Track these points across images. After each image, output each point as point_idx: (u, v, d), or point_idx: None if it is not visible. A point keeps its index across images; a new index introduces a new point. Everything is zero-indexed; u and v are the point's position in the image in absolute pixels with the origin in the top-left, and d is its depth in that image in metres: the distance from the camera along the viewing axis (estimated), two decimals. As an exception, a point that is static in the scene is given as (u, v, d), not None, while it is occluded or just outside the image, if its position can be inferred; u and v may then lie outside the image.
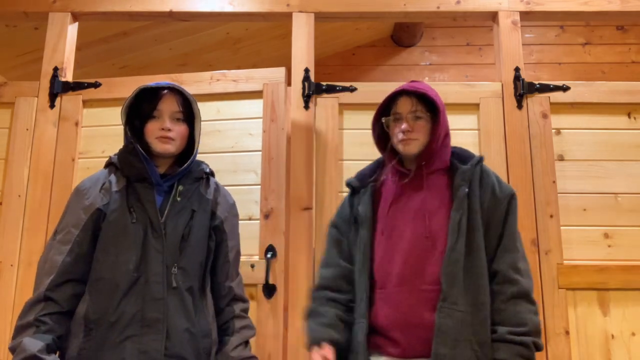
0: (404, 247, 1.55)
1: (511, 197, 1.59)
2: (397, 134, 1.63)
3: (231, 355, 1.58)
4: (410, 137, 1.60)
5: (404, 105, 1.63)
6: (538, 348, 1.45)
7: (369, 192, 1.68)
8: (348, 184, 1.76)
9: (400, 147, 1.64)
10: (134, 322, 1.43)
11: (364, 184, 1.72)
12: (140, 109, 1.61)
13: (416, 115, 1.61)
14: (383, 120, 1.68)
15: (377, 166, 1.77)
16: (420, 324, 1.49)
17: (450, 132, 1.68)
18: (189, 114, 1.64)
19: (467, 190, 1.56)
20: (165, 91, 1.61)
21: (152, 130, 1.59)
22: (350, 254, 1.67)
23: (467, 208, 1.54)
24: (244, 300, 1.69)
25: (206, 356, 1.50)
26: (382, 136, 1.71)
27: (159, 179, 1.58)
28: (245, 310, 1.68)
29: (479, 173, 1.60)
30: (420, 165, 1.62)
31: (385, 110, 1.68)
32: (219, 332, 1.61)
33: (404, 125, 1.61)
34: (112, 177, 1.59)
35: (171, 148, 1.60)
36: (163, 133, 1.58)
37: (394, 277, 1.54)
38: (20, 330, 1.44)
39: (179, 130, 1.61)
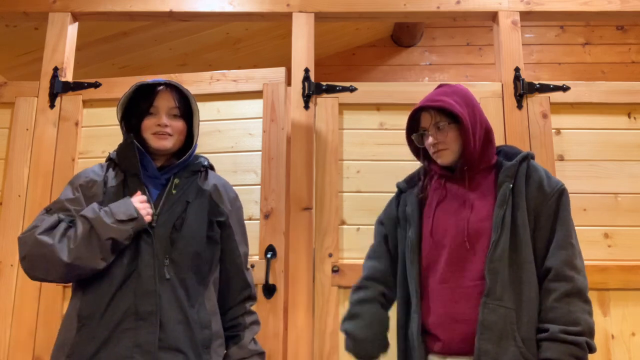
0: (447, 244, 1.57)
1: (561, 192, 1.56)
2: (428, 148, 1.67)
3: (249, 349, 1.61)
4: (439, 149, 1.63)
5: (425, 120, 1.66)
6: (591, 350, 1.41)
7: (415, 195, 1.73)
8: (397, 186, 1.81)
9: (436, 158, 1.67)
10: (128, 316, 1.42)
11: (411, 185, 1.77)
12: (137, 106, 1.61)
13: (438, 127, 1.63)
14: (413, 138, 1.71)
15: (425, 170, 1.81)
16: (462, 320, 1.50)
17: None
18: (186, 110, 1.64)
19: (511, 186, 1.56)
20: (162, 87, 1.61)
21: (149, 126, 1.59)
22: (395, 251, 1.73)
23: (511, 204, 1.54)
24: (255, 298, 1.71)
25: (204, 348, 1.49)
26: (417, 147, 1.74)
27: (155, 171, 1.59)
28: (253, 305, 1.70)
29: (525, 169, 1.60)
30: (462, 168, 1.64)
31: (413, 125, 1.71)
32: (230, 326, 1.62)
33: (429, 140, 1.64)
34: (110, 172, 1.61)
35: (167, 144, 1.60)
36: (159, 129, 1.58)
37: (438, 274, 1.57)
38: (50, 227, 1.46)
39: (175, 126, 1.61)
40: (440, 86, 1.74)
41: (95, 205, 1.50)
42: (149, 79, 1.66)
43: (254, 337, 1.65)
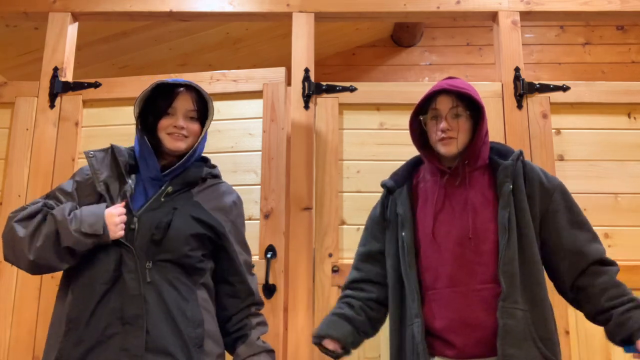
0: (451, 247, 1.54)
1: (562, 188, 1.60)
2: (437, 133, 1.59)
3: (257, 345, 1.61)
4: (450, 136, 1.57)
5: (444, 103, 1.59)
6: None
7: (406, 192, 1.67)
8: (383, 185, 1.74)
9: (439, 147, 1.60)
10: (114, 320, 1.42)
11: (400, 184, 1.71)
12: (154, 104, 1.61)
13: (456, 113, 1.58)
14: (421, 118, 1.64)
15: (413, 165, 1.75)
16: (475, 325, 1.48)
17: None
18: (203, 112, 1.64)
19: (511, 186, 1.54)
20: (182, 89, 1.61)
21: (165, 126, 1.59)
22: (381, 256, 1.68)
23: (513, 204, 1.53)
24: (261, 303, 1.71)
25: (196, 347, 1.48)
26: (419, 135, 1.68)
27: (158, 173, 1.58)
28: (260, 310, 1.70)
29: (521, 168, 1.58)
30: (463, 164, 1.60)
31: (423, 107, 1.64)
32: (236, 329, 1.62)
33: (442, 124, 1.57)
34: (110, 170, 1.60)
35: (182, 145, 1.60)
36: (175, 130, 1.59)
37: (444, 277, 1.53)
38: (28, 216, 1.49)
39: (191, 128, 1.61)
40: (450, 78, 1.68)
41: (68, 205, 1.50)
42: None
43: (262, 330, 1.65)
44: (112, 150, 1.62)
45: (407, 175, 1.73)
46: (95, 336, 1.41)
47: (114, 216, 1.47)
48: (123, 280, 1.45)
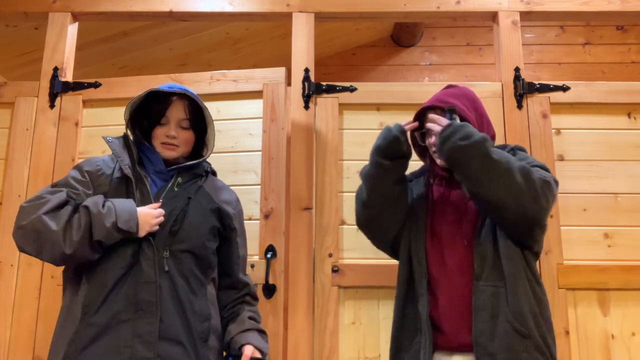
0: (448, 244, 1.61)
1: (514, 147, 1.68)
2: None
3: (248, 322, 1.62)
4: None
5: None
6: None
7: (423, 182, 1.76)
8: None
9: (436, 159, 1.68)
10: (128, 306, 1.44)
11: (417, 175, 1.81)
12: (148, 109, 1.64)
13: None
14: (416, 135, 1.72)
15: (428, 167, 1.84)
16: (464, 312, 1.53)
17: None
18: (197, 119, 1.66)
19: None
20: (175, 98, 1.63)
21: (158, 135, 1.63)
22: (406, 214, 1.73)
23: None
24: (256, 297, 1.74)
25: (202, 341, 1.50)
26: (422, 146, 1.76)
27: (162, 166, 1.62)
28: (255, 302, 1.73)
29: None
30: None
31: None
32: (229, 314, 1.64)
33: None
34: (117, 165, 1.63)
35: (174, 154, 1.64)
36: (168, 140, 1.62)
37: (443, 270, 1.60)
38: (55, 207, 1.46)
39: (183, 137, 1.64)
40: (448, 87, 1.75)
41: (100, 199, 1.49)
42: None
43: (254, 316, 1.66)
44: (126, 140, 1.65)
45: (421, 174, 1.82)
46: (107, 320, 1.42)
47: (152, 217, 1.50)
48: (139, 267, 1.47)
